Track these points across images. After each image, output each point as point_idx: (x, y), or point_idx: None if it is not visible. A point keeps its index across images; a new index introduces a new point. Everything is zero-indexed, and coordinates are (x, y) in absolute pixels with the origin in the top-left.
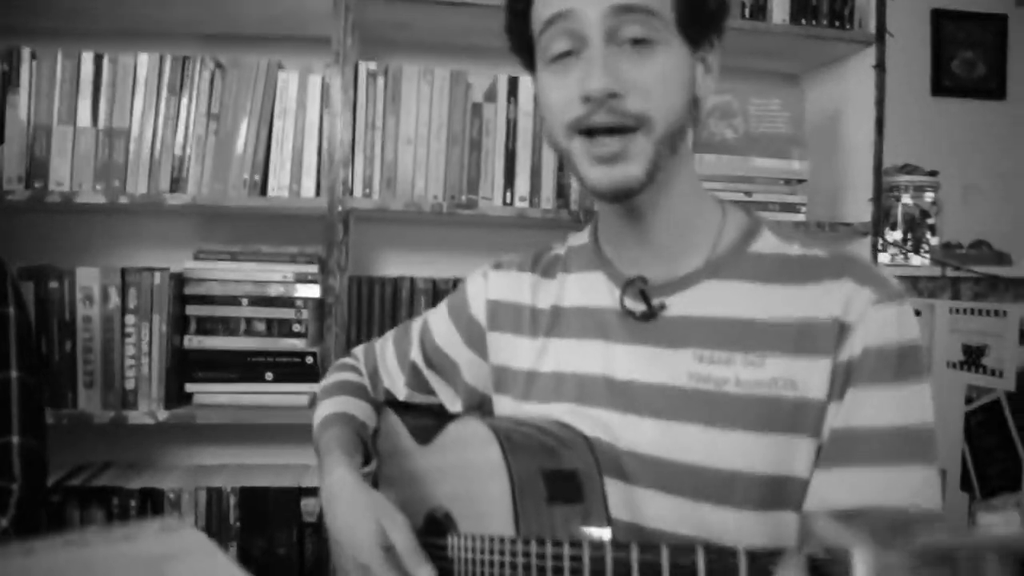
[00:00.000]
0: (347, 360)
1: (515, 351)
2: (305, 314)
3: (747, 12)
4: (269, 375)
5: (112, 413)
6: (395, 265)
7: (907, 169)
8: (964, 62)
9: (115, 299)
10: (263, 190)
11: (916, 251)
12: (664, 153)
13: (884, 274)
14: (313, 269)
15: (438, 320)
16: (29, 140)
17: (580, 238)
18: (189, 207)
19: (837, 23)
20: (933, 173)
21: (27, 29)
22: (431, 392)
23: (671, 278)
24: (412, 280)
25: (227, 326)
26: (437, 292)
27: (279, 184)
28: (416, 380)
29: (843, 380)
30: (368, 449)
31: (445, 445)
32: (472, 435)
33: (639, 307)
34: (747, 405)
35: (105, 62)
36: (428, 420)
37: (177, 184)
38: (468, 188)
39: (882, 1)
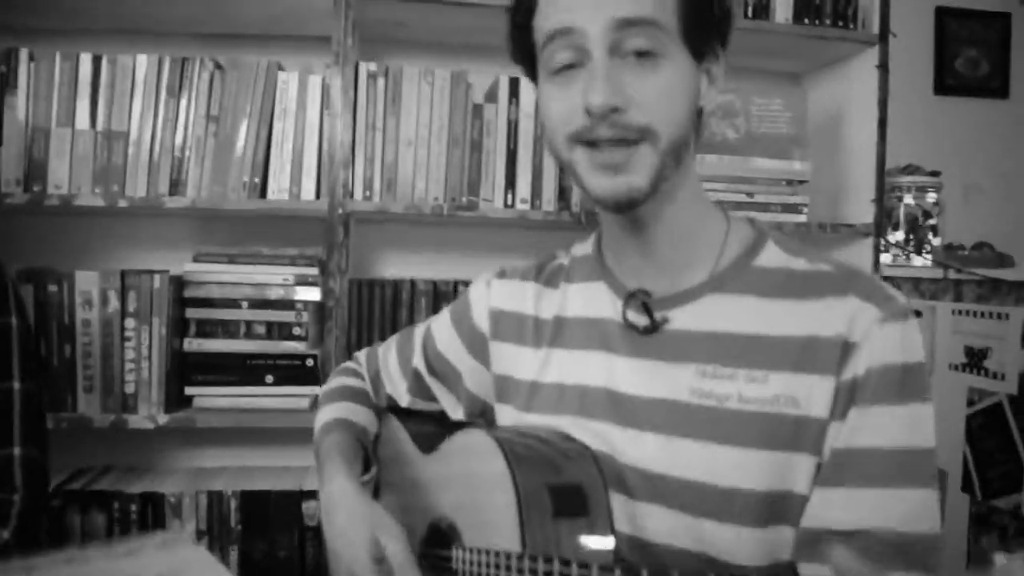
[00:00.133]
0: (349, 364)
1: (517, 361)
2: (305, 317)
3: (750, 11)
4: (269, 378)
5: (112, 417)
6: (395, 266)
7: (909, 169)
8: (968, 60)
9: (114, 302)
10: (263, 192)
11: (918, 252)
12: (668, 164)
13: (890, 290)
14: (313, 271)
15: (441, 327)
16: (27, 142)
17: (584, 247)
18: (188, 210)
19: (840, 23)
20: (935, 173)
21: (25, 29)
22: (433, 399)
23: (674, 291)
24: (413, 282)
25: (227, 329)
26: (438, 294)
27: (279, 187)
28: (418, 386)
29: (846, 399)
30: (369, 455)
31: (449, 455)
32: (477, 446)
33: (641, 320)
34: (749, 422)
35: (103, 63)
36: (430, 427)
37: (176, 187)
38: (469, 190)
39: (886, 1)
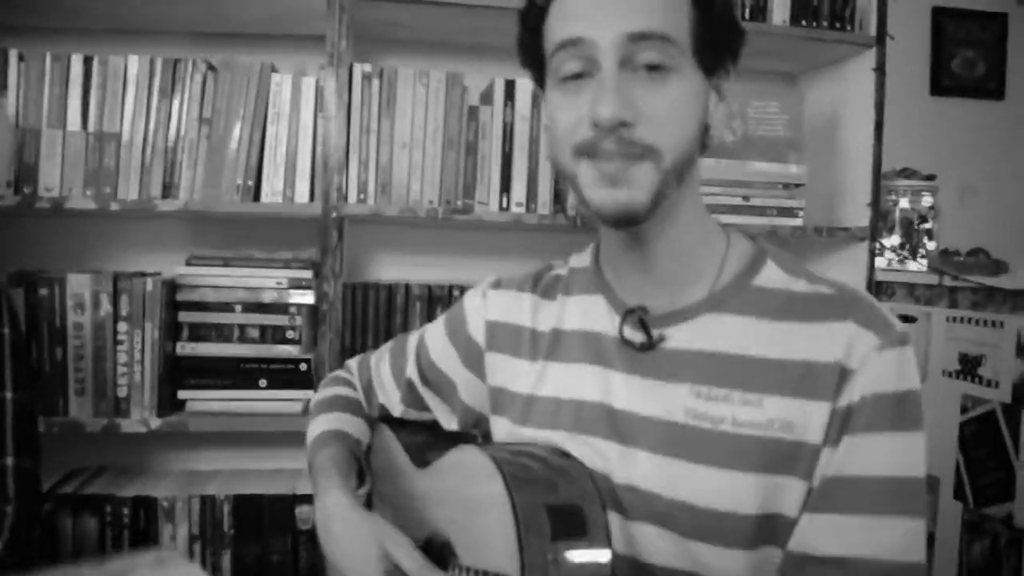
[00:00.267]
0: (340, 373)
1: (514, 373)
2: (299, 320)
3: (747, 13)
4: (263, 382)
5: (104, 421)
6: (390, 267)
7: (905, 173)
8: (964, 61)
9: (106, 306)
10: (256, 195)
11: (913, 256)
12: (670, 183)
13: (888, 316)
14: (307, 275)
15: (435, 337)
16: (18, 144)
17: (582, 259)
18: (181, 213)
19: (838, 24)
20: (931, 177)
21: (14, 29)
22: (427, 408)
23: (672, 309)
24: (407, 287)
25: (220, 333)
26: (432, 299)
27: (272, 190)
28: (412, 397)
29: (840, 426)
30: (363, 467)
31: (444, 471)
32: (473, 465)
33: (638, 337)
34: (742, 446)
35: (95, 64)
36: (423, 438)
37: (169, 189)
38: (464, 193)
39: (883, 3)
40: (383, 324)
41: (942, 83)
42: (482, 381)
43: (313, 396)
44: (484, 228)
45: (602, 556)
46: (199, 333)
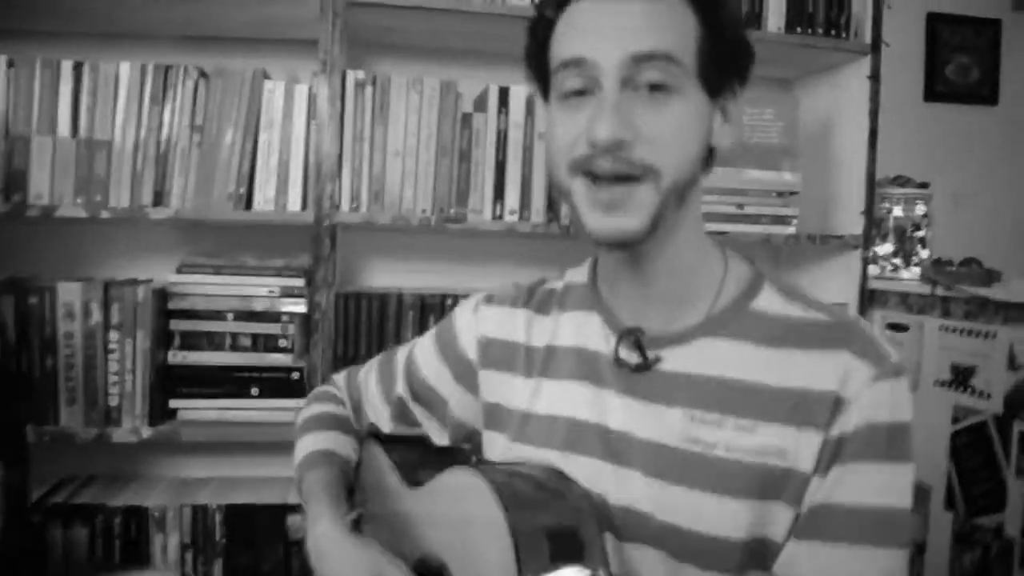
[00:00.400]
0: (327, 389)
1: (508, 390)
2: (291, 329)
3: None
4: (255, 391)
5: (95, 430)
6: (383, 273)
7: (899, 181)
8: (959, 67)
9: (97, 315)
10: (248, 203)
11: (907, 264)
12: (670, 205)
13: (884, 347)
14: (299, 283)
15: (424, 354)
16: (7, 151)
17: (578, 275)
18: (172, 221)
19: (833, 31)
20: (924, 185)
21: (2, 32)
22: (417, 424)
23: (668, 331)
24: (400, 296)
25: (212, 341)
26: (425, 308)
27: (265, 198)
28: (401, 414)
29: (831, 456)
30: (354, 488)
31: (438, 493)
32: (468, 487)
33: (634, 358)
34: (735, 472)
35: (85, 70)
36: (414, 455)
37: (160, 197)
38: (457, 200)
39: (878, 11)
40: (375, 333)
41: (936, 89)
42: (475, 397)
43: (300, 412)
44: (478, 235)
45: None
46: (191, 341)
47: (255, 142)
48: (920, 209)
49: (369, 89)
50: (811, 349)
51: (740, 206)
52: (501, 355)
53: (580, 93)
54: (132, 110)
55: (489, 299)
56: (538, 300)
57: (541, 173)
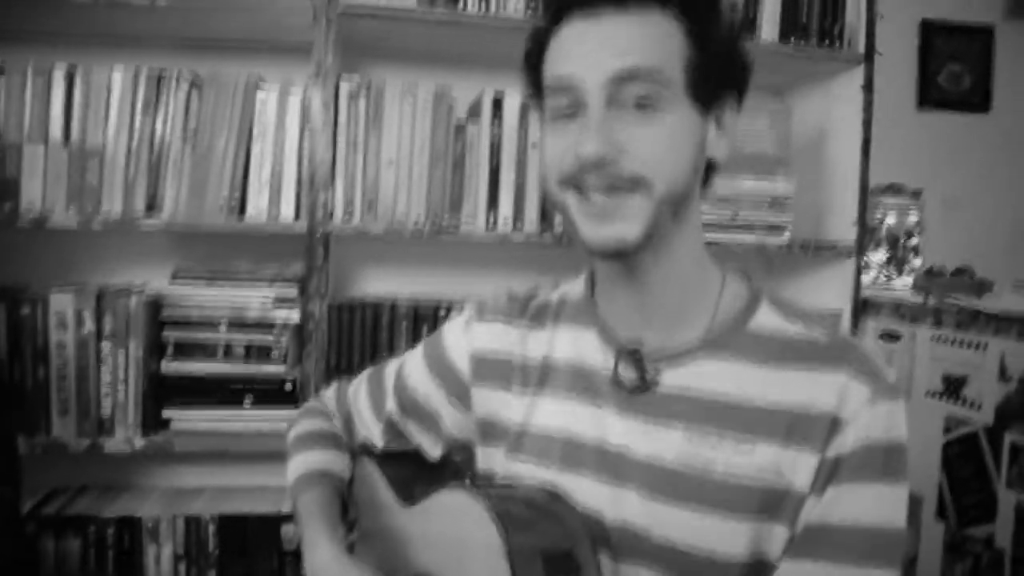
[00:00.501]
0: (316, 405)
1: (503, 406)
2: (284, 339)
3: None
4: (248, 400)
5: (88, 441)
6: (376, 281)
7: (892, 189)
8: (951, 74)
9: (90, 324)
10: (241, 211)
11: (900, 273)
12: (664, 215)
13: (881, 367)
14: (292, 292)
15: (415, 369)
16: None
17: (574, 287)
18: (165, 229)
19: (826, 41)
20: (917, 193)
21: None
22: (410, 439)
23: (667, 350)
24: (393, 306)
25: (205, 350)
26: (418, 317)
27: (258, 206)
28: (393, 430)
29: (826, 476)
30: (348, 508)
31: (433, 512)
32: (464, 509)
33: (632, 377)
34: (733, 492)
35: (77, 77)
36: (408, 470)
37: (153, 205)
38: (451, 209)
39: (872, 21)
40: (369, 343)
41: (929, 96)
42: (467, 413)
43: (291, 428)
44: (472, 243)
45: None
46: (183, 351)
47: (248, 150)
48: (913, 217)
49: (362, 97)
50: (809, 368)
51: (734, 215)
52: (495, 371)
53: (569, 113)
54: (124, 118)
55: (481, 313)
56: (532, 312)
57: (534, 182)
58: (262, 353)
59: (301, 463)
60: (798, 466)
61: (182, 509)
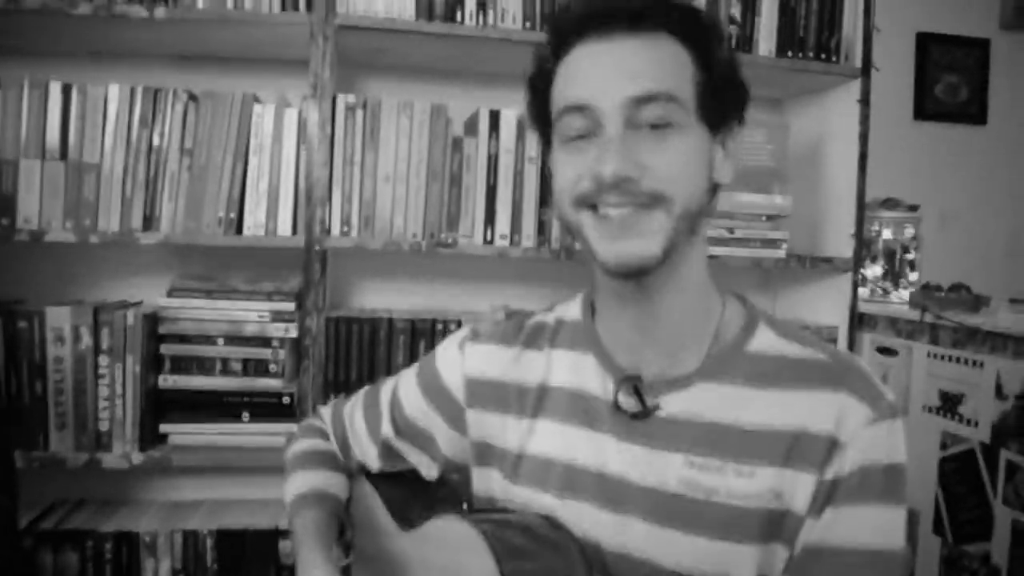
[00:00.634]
0: (313, 423)
1: (499, 430)
2: (281, 354)
3: (733, 43)
4: (245, 415)
5: (85, 455)
6: (373, 295)
7: (889, 204)
8: (948, 86)
9: (87, 339)
10: (239, 227)
11: (896, 287)
12: (682, 231)
13: (881, 387)
14: (290, 307)
15: (409, 391)
16: None
17: (570, 310)
18: (162, 244)
19: (823, 55)
20: (914, 208)
21: None
22: (406, 461)
23: (667, 375)
24: (391, 321)
25: (202, 365)
26: (416, 331)
27: (255, 222)
28: (389, 452)
29: (825, 497)
30: (345, 529)
31: (430, 540)
32: (462, 538)
33: (632, 404)
34: (735, 517)
35: (74, 93)
36: (405, 493)
37: (150, 221)
38: (448, 225)
39: (868, 34)
40: (366, 357)
41: (926, 108)
42: (463, 435)
43: (288, 446)
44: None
45: None
46: (181, 366)
47: (245, 165)
48: (909, 231)
49: (359, 113)
50: (808, 388)
51: (731, 230)
52: (490, 394)
53: (583, 136)
54: (121, 133)
55: (475, 336)
56: (527, 334)
57: (532, 197)
58: (259, 368)
59: (299, 483)
60: (797, 488)
61: (180, 524)
